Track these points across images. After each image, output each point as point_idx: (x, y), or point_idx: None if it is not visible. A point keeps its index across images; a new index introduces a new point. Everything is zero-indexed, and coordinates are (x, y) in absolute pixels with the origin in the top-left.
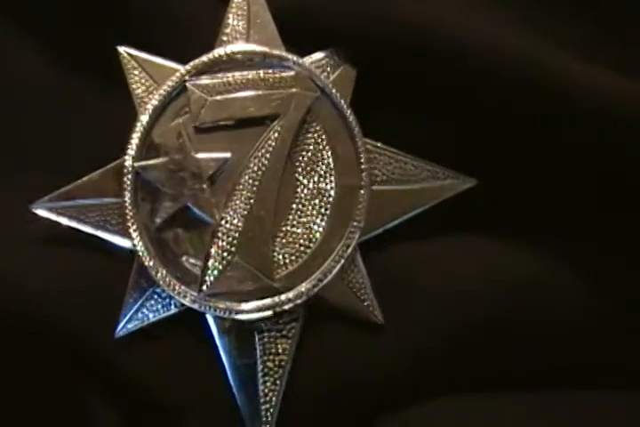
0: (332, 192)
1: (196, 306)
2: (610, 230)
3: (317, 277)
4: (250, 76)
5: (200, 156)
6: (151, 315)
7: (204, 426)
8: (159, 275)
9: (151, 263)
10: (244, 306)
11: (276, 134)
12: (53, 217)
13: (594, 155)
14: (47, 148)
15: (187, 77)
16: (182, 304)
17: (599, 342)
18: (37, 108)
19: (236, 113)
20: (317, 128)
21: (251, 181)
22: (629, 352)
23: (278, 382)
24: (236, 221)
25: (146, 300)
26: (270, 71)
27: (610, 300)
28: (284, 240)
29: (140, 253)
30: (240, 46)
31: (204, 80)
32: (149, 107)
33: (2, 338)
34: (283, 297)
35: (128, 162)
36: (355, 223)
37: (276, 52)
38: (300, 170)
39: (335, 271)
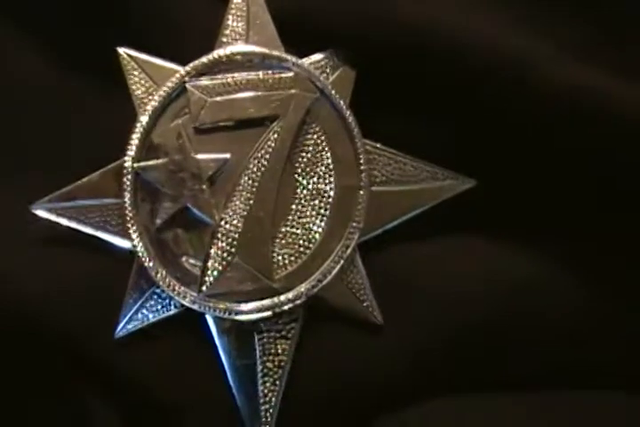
0: (332, 193)
1: (195, 306)
2: (609, 231)
3: (317, 278)
4: (249, 77)
5: (200, 156)
6: (151, 315)
7: (204, 426)
8: (159, 275)
9: (151, 264)
10: (244, 307)
11: (276, 135)
12: (53, 218)
13: (593, 155)
14: (47, 148)
15: (186, 78)
16: (182, 305)
17: (599, 342)
18: (37, 108)
19: (236, 114)
20: (317, 129)
21: (250, 182)
22: (629, 354)
23: (278, 382)
24: (235, 222)
25: (146, 300)
26: (270, 72)
27: (609, 301)
28: (283, 241)
29: (140, 254)
30: (239, 47)
31: (204, 81)
32: (149, 108)
33: (2, 338)
34: (282, 298)
35: (128, 163)
36: (354, 224)
37: (275, 53)
38: (299, 171)
39: (335, 272)
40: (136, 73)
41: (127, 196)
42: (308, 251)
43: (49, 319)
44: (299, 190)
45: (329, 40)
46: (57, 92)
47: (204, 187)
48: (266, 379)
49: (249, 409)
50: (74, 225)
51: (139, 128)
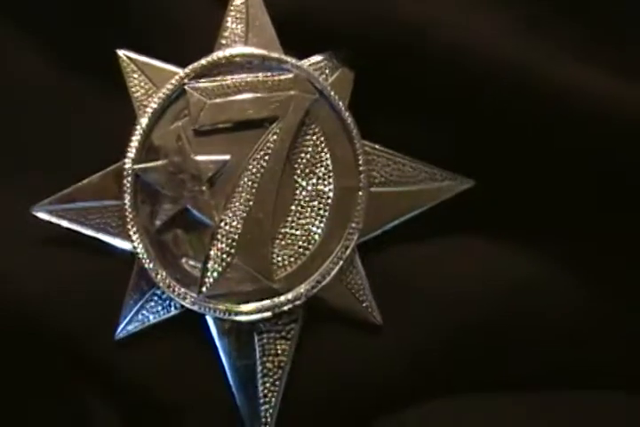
0: (331, 194)
1: (195, 307)
2: (609, 231)
3: (316, 279)
4: (249, 79)
5: (199, 158)
6: (151, 316)
7: (204, 426)
8: (159, 277)
9: (151, 265)
10: (244, 307)
11: (275, 137)
12: (54, 220)
13: (593, 156)
14: (47, 148)
15: (186, 80)
16: (182, 306)
17: (599, 342)
18: (37, 108)
19: (235, 116)
20: (316, 130)
21: (250, 184)
22: (629, 354)
23: (278, 382)
24: (235, 223)
25: (146, 301)
26: (269, 74)
27: (609, 301)
28: (282, 242)
29: (140, 255)
30: (239, 49)
31: (203, 83)
32: (149, 110)
33: (2, 338)
34: (282, 298)
35: (128, 164)
36: (353, 225)
37: (274, 54)
38: (298, 172)
39: (334, 273)
40: (136, 75)
41: (127, 197)
42: (307, 252)
43: (49, 320)
44: (298, 191)
45: (329, 40)
46: (57, 92)
47: (204, 188)
48: (266, 379)
49: (249, 409)
50: (74, 227)
51: (138, 130)
